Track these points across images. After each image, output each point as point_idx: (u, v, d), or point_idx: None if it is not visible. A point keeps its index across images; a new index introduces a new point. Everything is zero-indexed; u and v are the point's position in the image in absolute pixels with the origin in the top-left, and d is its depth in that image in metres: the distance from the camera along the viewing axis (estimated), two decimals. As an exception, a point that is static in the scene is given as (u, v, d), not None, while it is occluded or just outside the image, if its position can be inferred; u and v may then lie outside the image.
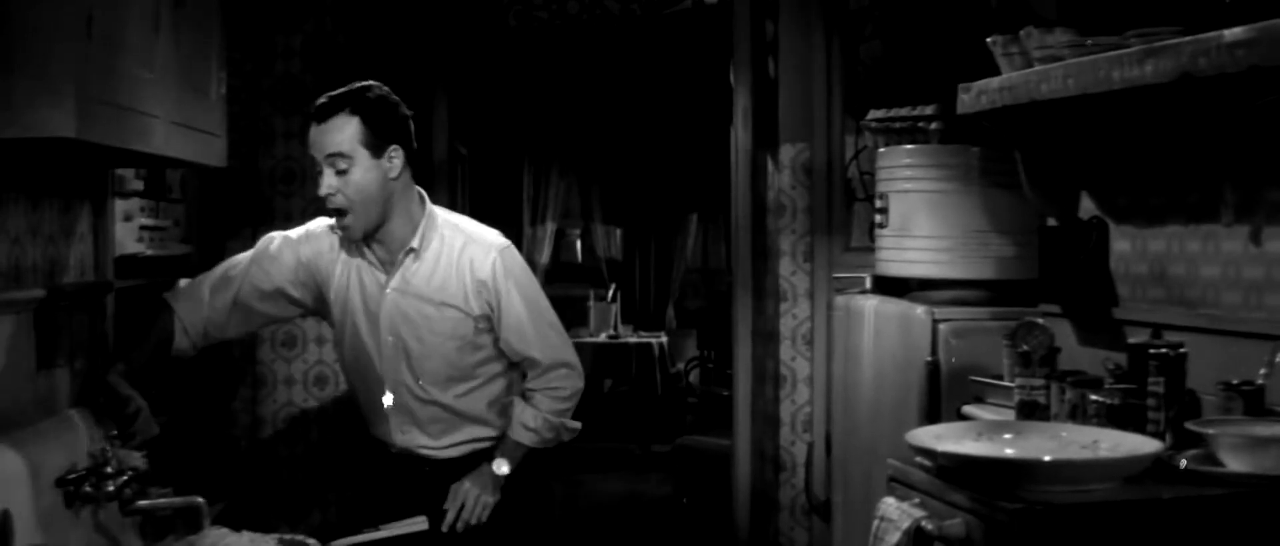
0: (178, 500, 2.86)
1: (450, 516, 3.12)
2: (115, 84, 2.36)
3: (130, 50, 2.44)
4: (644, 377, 9.78)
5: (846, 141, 4.98)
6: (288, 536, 2.84)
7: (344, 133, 3.03)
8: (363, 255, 3.19)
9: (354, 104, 3.05)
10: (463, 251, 3.17)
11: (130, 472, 2.73)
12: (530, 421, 3.18)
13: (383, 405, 3.21)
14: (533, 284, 3.25)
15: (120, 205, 3.90)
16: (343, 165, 3.03)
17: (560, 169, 11.75)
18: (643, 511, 7.76)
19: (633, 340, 9.94)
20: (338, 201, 3.06)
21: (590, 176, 11.95)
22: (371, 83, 3.13)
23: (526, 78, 9.30)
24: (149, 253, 4.22)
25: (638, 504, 7.97)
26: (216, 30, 3.03)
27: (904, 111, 4.28)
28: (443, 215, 3.25)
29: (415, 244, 3.15)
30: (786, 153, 5.04)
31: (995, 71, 3.17)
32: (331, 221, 3.18)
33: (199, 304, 3.21)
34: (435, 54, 5.30)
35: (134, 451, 2.86)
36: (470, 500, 3.12)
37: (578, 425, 3.27)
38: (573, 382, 3.24)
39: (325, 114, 3.06)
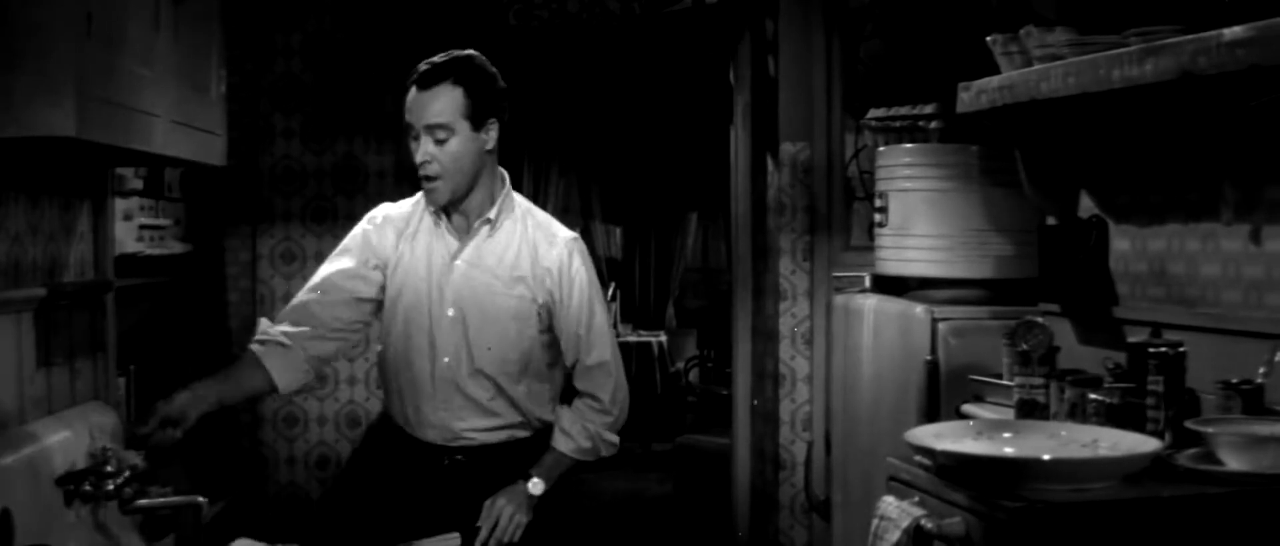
0: (178, 499, 2.86)
1: (484, 534, 3.06)
2: (115, 82, 2.36)
3: (130, 48, 2.44)
4: (644, 376, 9.77)
5: (846, 140, 4.98)
6: None
7: (447, 102, 3.01)
8: (437, 223, 3.17)
9: (459, 73, 3.03)
10: (536, 235, 3.16)
11: (130, 472, 2.73)
12: (568, 425, 3.16)
13: (426, 380, 3.14)
14: (597, 283, 3.23)
15: (120, 204, 3.90)
16: (442, 135, 3.02)
17: (560, 167, 11.74)
18: (643, 510, 7.75)
19: (632, 339, 9.93)
20: (432, 169, 3.04)
21: (590, 175, 11.94)
22: (473, 52, 3.10)
23: (526, 77, 9.27)
24: (148, 251, 4.23)
25: (638, 502, 7.97)
26: (216, 28, 3.02)
27: (904, 110, 4.28)
28: (519, 199, 3.24)
29: (492, 215, 3.13)
30: (786, 151, 5.04)
31: (995, 70, 3.17)
32: (411, 202, 3.20)
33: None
34: (434, 53, 5.30)
35: (132, 451, 2.86)
36: (505, 519, 3.07)
37: (616, 440, 3.23)
38: (612, 390, 3.19)
39: (429, 81, 3.03)
